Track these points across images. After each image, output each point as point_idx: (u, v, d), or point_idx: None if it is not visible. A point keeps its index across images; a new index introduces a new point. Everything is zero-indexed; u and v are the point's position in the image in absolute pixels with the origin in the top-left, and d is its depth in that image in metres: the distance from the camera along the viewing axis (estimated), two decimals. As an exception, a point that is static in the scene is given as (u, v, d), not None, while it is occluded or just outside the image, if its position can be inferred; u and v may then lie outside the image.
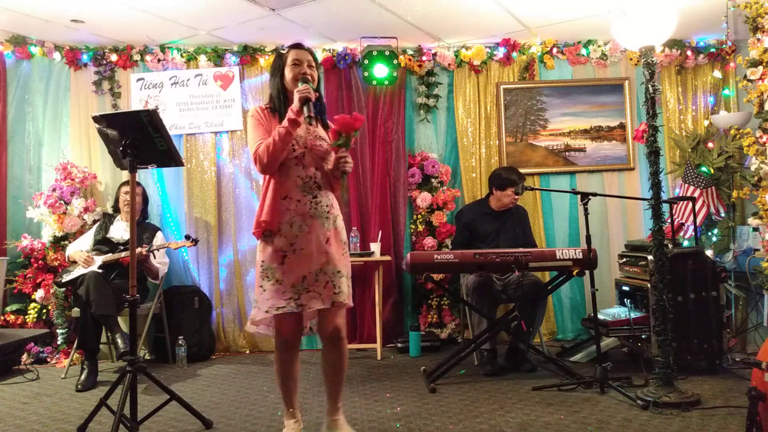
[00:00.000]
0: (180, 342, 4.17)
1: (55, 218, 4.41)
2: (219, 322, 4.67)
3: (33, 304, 4.37)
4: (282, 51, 2.61)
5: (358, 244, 4.50)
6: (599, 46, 4.87)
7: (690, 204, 4.25)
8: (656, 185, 3.05)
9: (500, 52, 4.87)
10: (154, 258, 4.17)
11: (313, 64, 2.55)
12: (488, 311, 3.76)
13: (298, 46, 2.58)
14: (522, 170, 4.76)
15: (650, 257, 3.53)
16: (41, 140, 4.66)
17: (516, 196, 4.00)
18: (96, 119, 2.75)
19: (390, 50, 4.59)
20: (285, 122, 2.39)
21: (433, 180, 4.77)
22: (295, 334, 2.51)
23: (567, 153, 4.92)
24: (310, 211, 2.45)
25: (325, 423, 2.62)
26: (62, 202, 4.43)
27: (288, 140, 2.40)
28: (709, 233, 4.46)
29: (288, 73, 2.52)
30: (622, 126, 4.92)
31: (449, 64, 4.88)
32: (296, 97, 2.41)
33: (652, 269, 3.42)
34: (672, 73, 4.91)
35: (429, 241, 4.66)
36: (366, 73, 4.65)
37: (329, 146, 2.53)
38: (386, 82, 4.68)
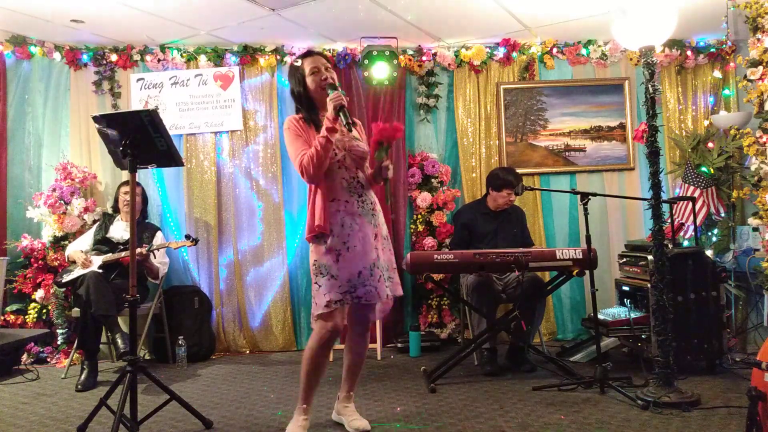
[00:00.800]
0: (180, 342, 4.17)
1: (55, 218, 4.41)
2: (219, 322, 4.67)
3: (33, 304, 4.37)
4: (296, 63, 2.69)
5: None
6: (599, 46, 4.87)
7: (690, 204, 4.25)
8: (656, 185, 3.05)
9: (500, 52, 4.88)
10: (154, 258, 4.17)
11: (329, 66, 2.65)
12: (488, 311, 3.76)
13: (310, 53, 2.68)
14: (522, 170, 4.77)
15: (650, 257, 3.53)
16: (41, 140, 4.66)
17: (512, 197, 4.01)
18: (96, 119, 2.74)
19: (390, 50, 4.59)
20: (323, 131, 2.46)
21: (433, 180, 4.77)
22: (337, 329, 2.57)
23: (567, 153, 4.92)
24: (359, 210, 2.59)
25: (336, 409, 2.83)
26: (62, 202, 4.43)
27: (329, 148, 2.49)
28: (709, 233, 4.46)
29: (311, 83, 2.62)
30: (622, 126, 4.92)
31: (449, 64, 4.88)
32: (330, 105, 2.47)
33: (652, 269, 3.42)
34: (672, 73, 4.91)
35: (429, 241, 4.66)
36: (366, 73, 4.65)
37: (367, 148, 2.67)
38: (386, 82, 4.68)
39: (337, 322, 2.54)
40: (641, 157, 4.77)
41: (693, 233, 4.11)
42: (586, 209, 3.39)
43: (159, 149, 2.73)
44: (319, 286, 2.52)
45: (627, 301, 3.94)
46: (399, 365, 4.11)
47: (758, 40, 3.72)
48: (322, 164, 2.48)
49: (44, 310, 4.38)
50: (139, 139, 2.66)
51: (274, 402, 3.26)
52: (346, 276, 2.50)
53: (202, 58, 4.73)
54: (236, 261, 4.71)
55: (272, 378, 3.82)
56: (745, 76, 3.78)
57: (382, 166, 2.58)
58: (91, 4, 3.92)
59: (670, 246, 3.62)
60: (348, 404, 2.78)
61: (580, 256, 3.46)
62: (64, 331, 4.32)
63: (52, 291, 4.30)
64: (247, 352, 4.66)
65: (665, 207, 3.34)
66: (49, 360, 4.32)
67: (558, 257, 3.49)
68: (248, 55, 4.75)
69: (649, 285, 3.56)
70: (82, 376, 3.67)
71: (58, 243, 4.42)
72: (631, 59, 4.90)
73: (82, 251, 4.10)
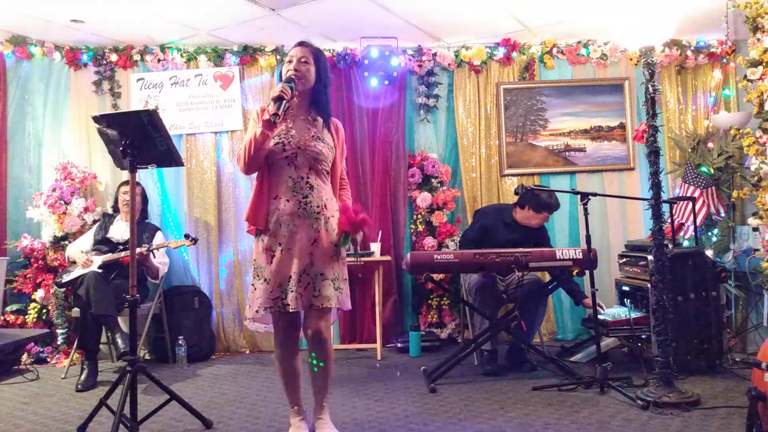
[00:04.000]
0: (180, 342, 4.17)
1: (55, 218, 4.41)
2: (219, 322, 4.67)
3: (33, 304, 4.37)
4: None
5: (359, 244, 4.48)
6: (599, 46, 4.87)
7: (690, 204, 4.25)
8: (656, 185, 3.05)
9: (500, 52, 4.88)
10: (154, 258, 4.17)
11: (308, 59, 2.53)
12: (490, 312, 3.75)
13: (298, 44, 2.59)
14: (522, 170, 4.83)
15: (650, 257, 3.53)
16: (41, 140, 4.66)
17: (546, 220, 3.96)
18: (96, 119, 2.75)
19: (390, 50, 4.59)
20: (260, 124, 2.39)
21: (433, 180, 4.77)
22: (290, 333, 2.53)
23: (567, 153, 4.92)
24: (299, 211, 2.46)
25: (313, 421, 2.63)
26: (62, 202, 4.43)
27: (261, 142, 2.40)
28: (709, 233, 4.46)
29: (283, 72, 2.54)
30: (622, 126, 4.92)
31: (449, 64, 4.88)
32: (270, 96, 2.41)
33: (652, 269, 3.42)
34: (672, 73, 4.91)
35: (429, 241, 4.66)
36: (366, 73, 4.65)
37: (325, 150, 2.52)
38: (386, 82, 4.68)
39: (287, 324, 2.49)
40: (641, 157, 4.78)
41: (693, 233, 4.10)
42: (586, 209, 3.39)
43: (159, 149, 2.73)
44: (254, 288, 2.47)
45: (627, 301, 3.94)
46: (399, 365, 4.11)
47: (758, 40, 3.72)
48: (253, 156, 2.41)
49: (44, 310, 4.38)
50: (139, 139, 2.66)
51: (274, 402, 3.26)
52: (278, 280, 2.42)
53: (202, 58, 4.73)
54: (236, 261, 4.71)
55: (272, 378, 3.82)
56: (745, 76, 3.78)
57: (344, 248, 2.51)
58: (91, 4, 3.92)
59: (670, 246, 3.61)
60: (321, 416, 2.58)
61: (580, 256, 3.46)
62: (64, 331, 4.32)
63: (52, 291, 4.30)
64: (247, 351, 4.66)
65: (665, 207, 3.34)
66: (49, 360, 4.32)
67: (558, 257, 3.49)
68: (248, 55, 4.75)
69: (649, 285, 3.56)
70: (82, 376, 3.67)
71: (58, 243, 4.42)
72: (631, 59, 4.90)
73: (82, 251, 4.10)
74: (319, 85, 2.56)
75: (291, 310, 2.40)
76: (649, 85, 3.04)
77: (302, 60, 2.52)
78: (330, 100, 2.66)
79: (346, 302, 2.54)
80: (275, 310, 2.41)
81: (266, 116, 2.37)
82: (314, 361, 2.52)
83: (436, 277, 4.39)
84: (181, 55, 4.74)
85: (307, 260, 2.43)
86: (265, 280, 2.44)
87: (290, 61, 2.52)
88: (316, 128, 2.54)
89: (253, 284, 2.50)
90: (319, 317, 2.47)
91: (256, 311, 2.43)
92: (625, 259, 4.05)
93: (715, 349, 3.59)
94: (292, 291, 2.40)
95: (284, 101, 2.37)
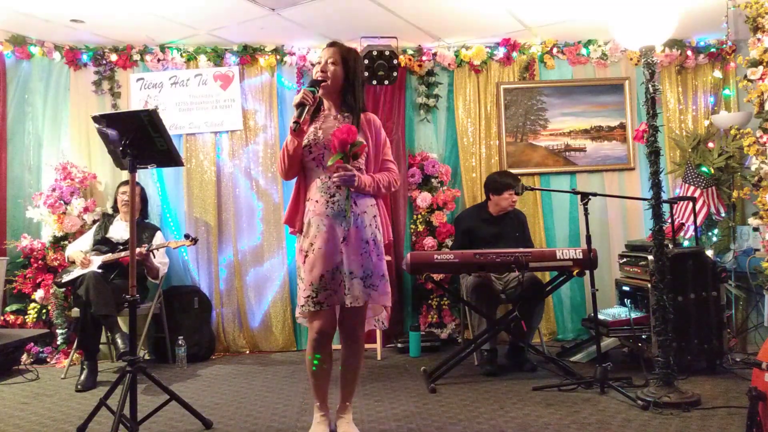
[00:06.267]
0: (180, 342, 4.17)
1: (54, 218, 4.41)
2: (219, 322, 4.66)
3: (33, 304, 4.37)
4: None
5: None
6: (599, 46, 4.87)
7: (690, 204, 4.25)
8: (656, 185, 3.04)
9: (500, 52, 4.87)
10: (154, 257, 4.17)
11: (336, 60, 2.54)
12: (488, 311, 3.75)
13: (329, 45, 2.61)
14: (522, 170, 4.79)
15: (650, 257, 3.53)
16: (41, 140, 4.65)
17: (515, 198, 4.00)
18: (96, 119, 2.74)
19: (390, 50, 4.59)
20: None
21: (433, 180, 4.77)
22: (324, 330, 2.50)
23: (567, 153, 4.92)
24: (326, 211, 2.48)
25: (334, 419, 2.66)
26: (62, 202, 4.43)
27: (292, 148, 2.45)
28: (710, 233, 4.46)
29: (313, 75, 2.57)
30: (623, 126, 4.91)
31: (449, 64, 4.88)
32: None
33: (652, 269, 3.42)
34: (672, 73, 4.91)
35: (429, 241, 4.66)
36: (366, 73, 4.64)
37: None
38: (386, 82, 4.68)
39: (322, 323, 2.47)
40: (641, 157, 4.78)
41: (693, 233, 4.10)
42: (586, 209, 3.39)
43: (159, 149, 2.73)
44: (298, 287, 2.52)
45: (627, 301, 3.94)
46: (399, 365, 4.10)
47: (758, 39, 3.72)
48: (288, 163, 2.49)
49: (44, 310, 4.37)
50: (139, 139, 2.66)
51: (273, 402, 3.26)
52: (309, 279, 2.44)
53: (202, 58, 4.72)
54: (236, 261, 4.71)
55: (272, 378, 3.82)
56: (746, 76, 3.78)
57: (335, 169, 2.42)
58: (91, 4, 3.92)
59: (670, 246, 3.61)
60: (343, 415, 2.62)
61: (580, 256, 3.46)
62: (63, 331, 4.32)
63: (51, 291, 4.29)
64: (247, 352, 4.66)
65: (665, 207, 3.34)
66: (48, 360, 4.31)
67: (558, 257, 3.49)
68: (248, 55, 4.74)
69: (649, 285, 3.56)
70: (82, 376, 3.67)
71: (58, 243, 4.42)
72: (631, 59, 4.90)
73: (81, 251, 4.10)
74: (347, 84, 2.56)
75: (324, 308, 2.44)
76: (650, 85, 3.04)
77: (329, 61, 2.54)
78: (362, 97, 2.63)
79: (381, 299, 2.52)
80: (307, 308, 2.43)
81: (290, 124, 2.41)
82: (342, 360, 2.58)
83: (436, 277, 4.38)
84: (181, 55, 4.73)
85: (338, 258, 2.46)
86: (301, 279, 2.49)
87: (319, 63, 2.56)
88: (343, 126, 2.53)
89: (298, 283, 2.54)
90: (353, 316, 2.52)
91: (302, 306, 2.47)
92: (625, 259, 4.04)
93: (715, 349, 3.58)
94: (326, 289, 2.43)
95: (305, 107, 2.41)
